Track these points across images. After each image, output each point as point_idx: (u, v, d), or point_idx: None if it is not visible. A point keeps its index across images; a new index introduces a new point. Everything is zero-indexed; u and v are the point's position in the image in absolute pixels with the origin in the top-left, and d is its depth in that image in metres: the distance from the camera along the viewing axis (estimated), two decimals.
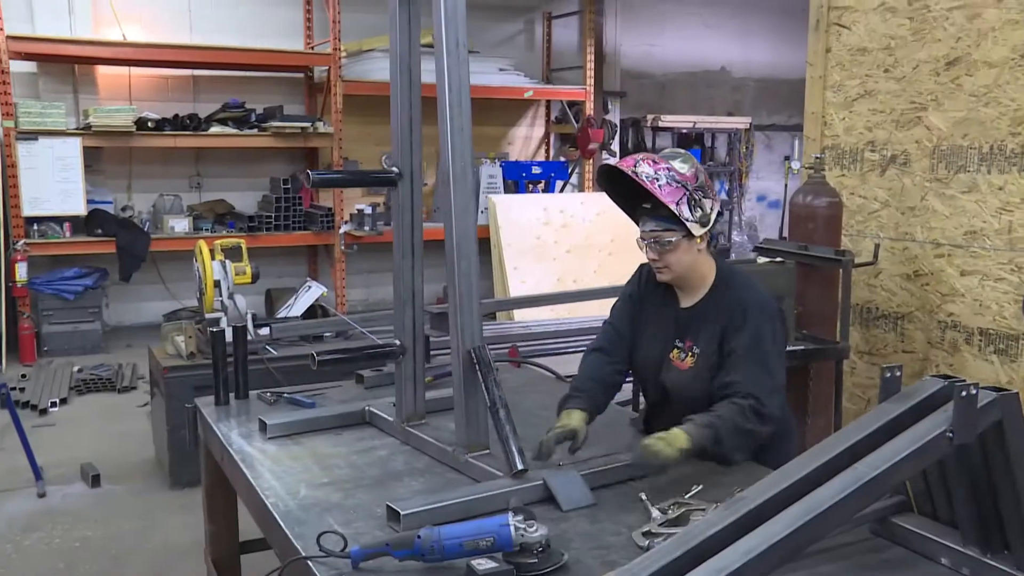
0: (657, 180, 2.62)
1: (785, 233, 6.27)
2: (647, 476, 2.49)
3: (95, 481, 5.18)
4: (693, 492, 2.32)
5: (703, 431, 2.49)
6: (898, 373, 1.93)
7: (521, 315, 8.02)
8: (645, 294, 2.95)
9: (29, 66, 8.82)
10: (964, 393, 1.75)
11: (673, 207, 2.61)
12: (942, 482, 2.05)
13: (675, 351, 2.81)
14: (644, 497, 2.34)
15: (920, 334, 4.76)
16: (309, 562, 2.08)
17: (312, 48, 9.87)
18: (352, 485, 2.58)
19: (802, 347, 4.40)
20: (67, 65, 8.96)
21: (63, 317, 8.33)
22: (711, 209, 2.70)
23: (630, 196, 2.78)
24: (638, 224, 2.78)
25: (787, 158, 12.01)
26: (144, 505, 4.93)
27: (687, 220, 2.64)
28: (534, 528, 2.00)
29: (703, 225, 2.68)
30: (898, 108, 4.80)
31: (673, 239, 2.68)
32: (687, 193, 2.64)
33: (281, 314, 6.47)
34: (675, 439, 2.45)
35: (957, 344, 4.57)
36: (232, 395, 3.45)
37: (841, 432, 1.84)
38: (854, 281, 4.95)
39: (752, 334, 2.66)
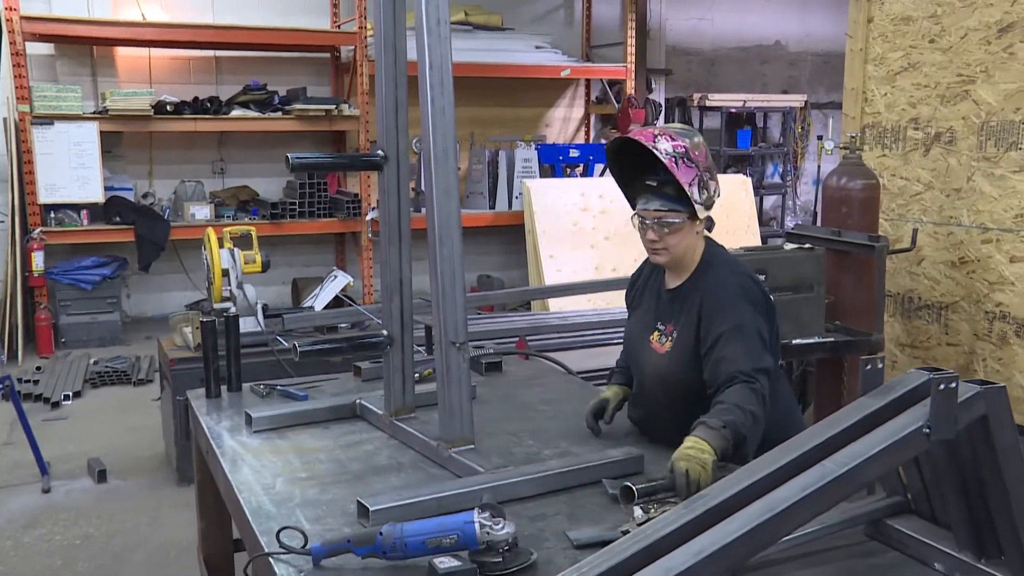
0: (675, 158, 2.61)
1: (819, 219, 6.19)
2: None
3: (101, 476, 5.31)
4: None
5: (723, 434, 2.44)
6: (880, 365, 1.92)
7: (557, 305, 8.02)
8: (642, 275, 3.00)
9: (46, 48, 9.02)
10: (943, 386, 1.73)
11: (686, 187, 2.61)
12: (936, 482, 2.03)
13: (655, 333, 2.84)
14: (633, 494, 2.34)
15: (966, 326, 4.68)
16: (271, 559, 2.12)
17: (339, 27, 9.95)
18: (331, 480, 2.62)
19: (832, 339, 4.37)
20: (85, 47, 9.14)
21: (81, 308, 8.52)
22: (714, 192, 2.71)
23: (633, 171, 2.77)
24: (634, 202, 2.77)
25: (820, 137, 11.86)
26: (150, 501, 5.04)
27: (696, 201, 2.64)
28: (500, 526, 2.02)
29: (707, 208, 2.69)
30: (944, 81, 4.72)
31: (678, 220, 2.67)
32: (698, 174, 2.64)
33: (307, 304, 6.56)
34: (704, 460, 2.36)
35: (1006, 336, 4.49)
36: (224, 387, 3.51)
37: (814, 427, 1.83)
38: (894, 269, 4.90)
39: (733, 318, 2.66)
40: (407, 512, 2.25)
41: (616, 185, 2.85)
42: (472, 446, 2.70)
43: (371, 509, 2.26)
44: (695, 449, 2.38)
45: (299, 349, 2.90)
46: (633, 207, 2.78)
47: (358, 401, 3.23)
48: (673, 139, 2.64)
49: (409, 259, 3.01)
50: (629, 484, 2.29)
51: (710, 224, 2.76)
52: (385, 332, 3.00)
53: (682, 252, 2.74)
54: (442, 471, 2.68)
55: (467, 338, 2.68)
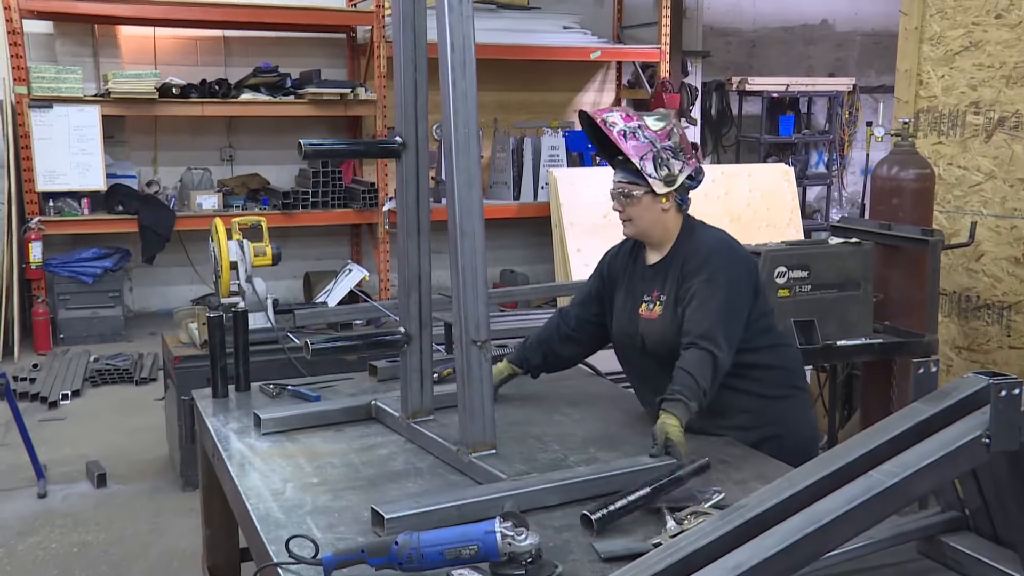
0: (625, 133, 2.94)
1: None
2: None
3: (100, 481, 5.34)
4: (714, 501, 2.31)
5: (681, 406, 2.71)
6: (933, 368, 1.89)
7: None
8: (618, 260, 3.25)
9: (45, 26, 9.07)
10: (1004, 392, 1.71)
11: (636, 161, 2.93)
12: (998, 497, 2.01)
13: (642, 305, 3.08)
14: (663, 506, 2.34)
15: None
16: (279, 569, 2.13)
17: (355, 5, 9.97)
18: (344, 486, 2.63)
19: (881, 340, 4.33)
20: (86, 25, 9.20)
21: (81, 302, 8.57)
22: (679, 171, 2.98)
23: (609, 147, 3.05)
24: None
25: (869, 124, 11.77)
26: (152, 507, 5.08)
27: (650, 176, 2.94)
28: (523, 536, 2.02)
29: (668, 184, 2.97)
30: (1010, 61, 4.66)
31: (636, 193, 2.99)
32: (654, 151, 2.94)
33: (320, 299, 6.57)
34: (671, 429, 2.66)
35: None
36: (232, 387, 3.53)
37: (862, 435, 1.81)
38: (951, 266, 4.86)
39: (707, 274, 2.92)
40: (424, 521, 2.25)
41: None
42: (494, 451, 2.71)
43: (386, 518, 2.26)
44: (669, 426, 2.67)
45: (312, 347, 2.91)
46: None
47: (373, 402, 3.24)
48: (628, 117, 2.99)
49: (428, 252, 3.01)
50: (586, 513, 2.28)
51: (683, 201, 3.03)
52: (403, 329, 3.00)
53: (647, 225, 3.04)
54: (462, 477, 2.68)
55: (489, 336, 2.68)
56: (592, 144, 3.17)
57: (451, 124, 2.65)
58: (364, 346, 3.14)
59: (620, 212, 3.05)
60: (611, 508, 2.29)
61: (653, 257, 3.11)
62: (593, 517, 2.26)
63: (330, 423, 3.17)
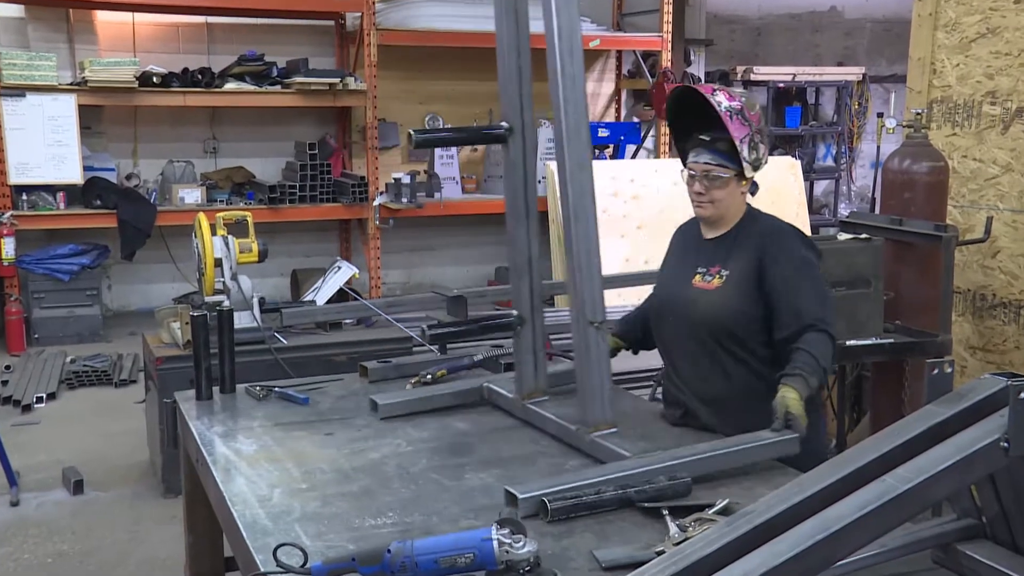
0: (731, 113, 2.99)
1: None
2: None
3: (77, 487, 5.33)
4: (718, 507, 2.32)
5: (801, 381, 2.82)
6: (948, 370, 1.90)
7: None
8: (684, 232, 3.34)
9: (15, 9, 9.04)
10: (1023, 394, 1.71)
11: (737, 142, 2.99)
12: (1017, 503, 2.01)
13: (697, 276, 3.14)
14: (665, 512, 2.35)
15: None
16: None
17: None
18: (334, 492, 2.64)
19: (892, 340, 4.34)
20: (60, 9, 9.17)
21: (57, 300, 8.55)
22: (763, 156, 3.07)
23: (689, 125, 3.14)
24: (685, 156, 3.15)
25: (880, 115, 11.78)
26: (131, 515, 5.07)
27: (744, 159, 3.01)
28: (521, 544, 2.02)
29: (755, 168, 3.06)
30: None
31: (725, 175, 3.05)
32: (751, 133, 3.01)
33: (308, 298, 6.57)
34: (791, 402, 2.78)
35: None
36: (217, 389, 3.53)
37: (874, 438, 1.82)
38: (965, 262, 4.87)
39: (796, 257, 3.03)
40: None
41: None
42: (615, 429, 2.84)
43: (520, 497, 2.37)
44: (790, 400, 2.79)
45: (428, 332, 3.10)
46: (684, 162, 3.15)
47: (485, 385, 3.37)
48: (732, 96, 3.03)
49: (538, 237, 3.13)
50: (544, 499, 2.40)
51: (754, 188, 3.12)
52: (515, 312, 3.14)
53: (725, 208, 3.10)
54: (456, 483, 2.68)
55: (605, 317, 2.84)
56: (670, 122, 3.25)
57: (561, 110, 2.78)
58: (479, 330, 3.30)
59: (701, 194, 3.09)
60: (572, 501, 2.39)
61: (710, 232, 3.18)
62: (550, 505, 2.36)
63: (445, 407, 3.33)
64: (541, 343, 3.16)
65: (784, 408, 2.75)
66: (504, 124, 3.06)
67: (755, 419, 2.84)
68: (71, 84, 8.70)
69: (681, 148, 3.21)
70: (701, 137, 3.07)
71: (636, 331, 3.44)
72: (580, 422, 2.88)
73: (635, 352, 3.51)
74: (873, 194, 11.29)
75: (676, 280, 3.22)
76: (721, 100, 2.99)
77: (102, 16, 9.39)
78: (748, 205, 3.18)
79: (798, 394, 2.79)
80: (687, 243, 3.27)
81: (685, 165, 3.14)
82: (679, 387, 3.17)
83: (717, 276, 3.09)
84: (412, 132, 3.02)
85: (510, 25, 3.04)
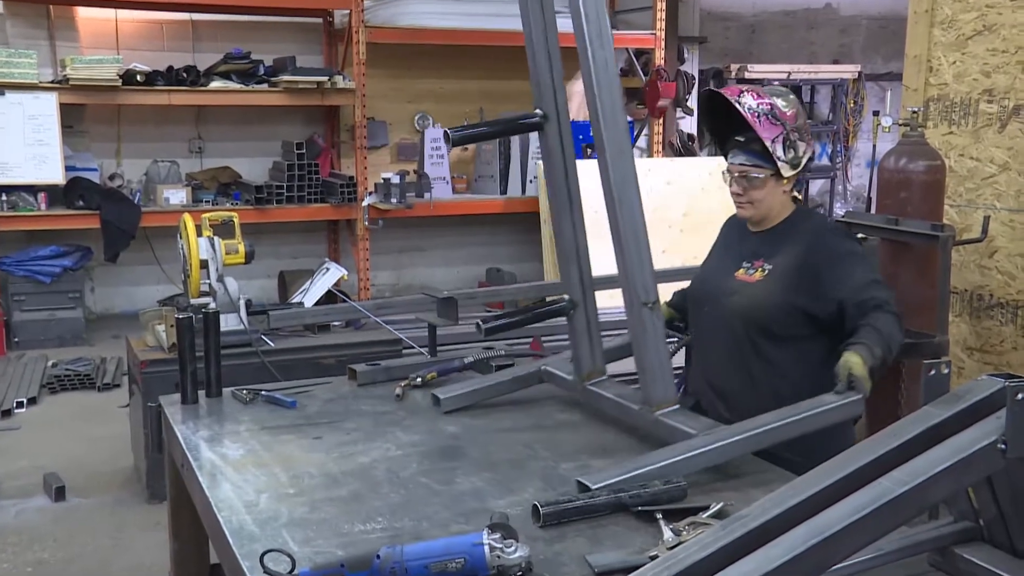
0: (758, 114, 3.07)
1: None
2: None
3: (59, 494, 5.31)
4: (713, 510, 2.32)
5: (865, 348, 2.87)
6: (945, 371, 1.90)
7: None
8: (722, 233, 3.49)
9: None
10: (1021, 395, 1.72)
11: (768, 143, 3.07)
12: (1015, 506, 2.02)
13: (741, 270, 3.25)
14: (659, 516, 2.35)
15: None
16: None
17: None
18: (322, 497, 2.62)
19: None
20: (40, 6, 9.15)
21: (38, 303, 8.53)
22: (803, 153, 3.14)
23: (726, 127, 3.24)
24: (727, 156, 3.25)
25: (876, 113, 11.82)
26: (114, 521, 5.06)
27: (779, 159, 3.09)
28: (513, 548, 2.03)
29: (793, 167, 3.13)
30: None
31: (761, 176, 3.14)
32: (784, 132, 3.09)
33: (295, 300, 6.57)
34: (855, 365, 2.82)
35: None
36: (203, 393, 3.53)
37: (870, 440, 1.82)
38: (963, 262, 4.88)
39: (845, 251, 3.13)
40: (627, 486, 2.48)
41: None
42: (676, 406, 2.91)
43: (592, 487, 2.45)
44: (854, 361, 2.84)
45: (484, 326, 3.11)
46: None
47: (543, 368, 3.42)
48: (759, 96, 3.11)
49: (583, 225, 3.14)
50: (536, 504, 2.39)
51: (800, 185, 3.14)
52: (567, 297, 3.17)
53: (767, 209, 3.21)
54: (446, 487, 2.68)
55: (658, 297, 2.87)
56: (706, 125, 3.37)
57: (595, 96, 2.80)
58: (533, 317, 3.32)
59: (740, 195, 3.20)
60: (565, 506, 2.38)
61: (756, 226, 3.29)
62: (542, 510, 2.34)
63: (504, 394, 3.40)
64: (595, 325, 3.21)
65: (847, 370, 2.80)
66: (539, 111, 3.09)
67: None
68: (52, 82, 8.68)
69: (723, 150, 3.32)
70: (737, 139, 3.17)
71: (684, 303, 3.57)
72: (642, 402, 2.95)
73: (686, 328, 3.56)
74: (869, 193, 11.32)
75: (719, 271, 3.33)
76: (747, 102, 3.07)
77: (83, 13, 9.38)
78: (798, 202, 3.27)
79: (861, 358, 2.82)
80: (734, 235, 3.38)
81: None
82: (702, 377, 3.27)
83: (760, 270, 3.20)
84: (448, 132, 3.07)
85: (535, 9, 3.06)
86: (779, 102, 3.12)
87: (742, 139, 3.16)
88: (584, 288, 3.17)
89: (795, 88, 12.28)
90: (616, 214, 2.81)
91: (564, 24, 2.90)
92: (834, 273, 3.09)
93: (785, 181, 3.16)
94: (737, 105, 3.07)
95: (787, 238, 3.20)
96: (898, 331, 3.03)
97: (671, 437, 2.79)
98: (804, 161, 3.16)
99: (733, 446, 2.65)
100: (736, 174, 3.18)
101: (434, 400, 3.35)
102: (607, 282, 3.38)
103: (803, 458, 2.80)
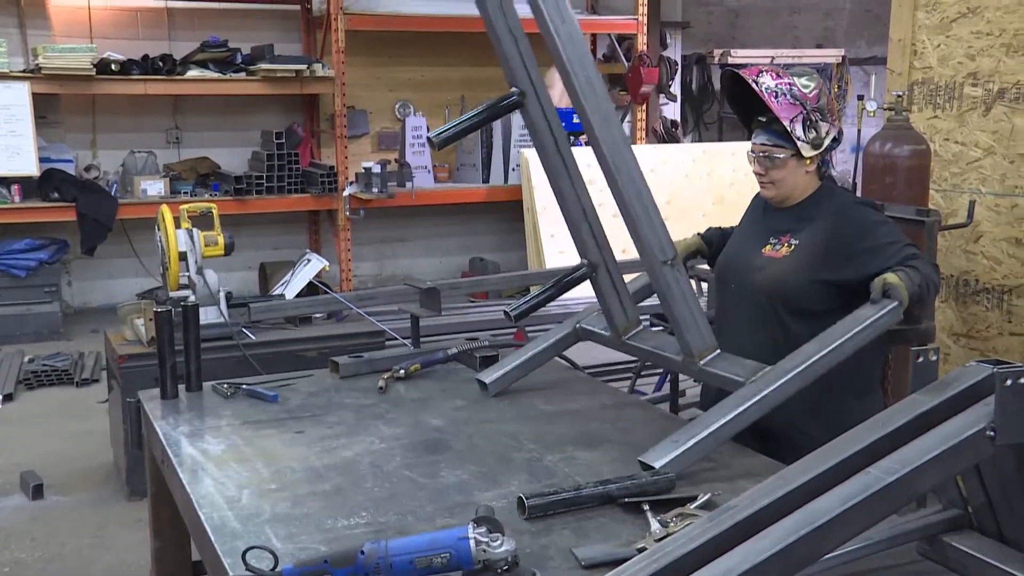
0: (776, 94, 3.08)
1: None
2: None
3: (36, 492, 5.30)
4: (700, 501, 2.32)
5: (903, 273, 2.91)
6: (933, 357, 1.91)
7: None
8: (751, 208, 3.52)
9: None
10: (1010, 381, 1.72)
11: (787, 123, 3.08)
12: (1003, 493, 2.02)
13: (768, 246, 3.29)
14: (647, 508, 2.36)
15: None
16: None
17: None
18: (305, 492, 2.62)
19: None
20: None
21: (13, 297, 8.51)
22: (826, 133, 3.16)
23: (748, 107, 3.26)
24: (751, 137, 3.28)
25: (860, 97, 11.85)
26: (94, 519, 5.04)
27: (799, 139, 3.11)
28: (499, 542, 2.02)
29: (815, 148, 3.15)
30: (1010, 28, 4.67)
31: (782, 156, 3.17)
32: (804, 112, 3.10)
33: (276, 292, 6.55)
34: (890, 277, 2.88)
35: None
36: (182, 387, 3.51)
37: (858, 429, 1.82)
38: (948, 248, 4.89)
39: (871, 221, 3.16)
40: (686, 459, 2.57)
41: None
42: (718, 351, 2.93)
43: (657, 467, 2.50)
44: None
45: (512, 312, 3.20)
46: None
47: (580, 326, 3.44)
48: (779, 76, 3.13)
49: (584, 187, 3.13)
50: (521, 496, 2.40)
51: (824, 163, 3.22)
52: (585, 260, 3.19)
53: (789, 189, 3.23)
54: (422, 486, 2.68)
55: (675, 252, 2.86)
56: (730, 105, 3.38)
57: (569, 72, 2.77)
58: (558, 291, 3.30)
59: (761, 175, 3.24)
60: (551, 498, 2.39)
61: (783, 205, 3.31)
62: (528, 502, 2.35)
63: (546, 362, 3.48)
64: (620, 280, 3.22)
65: (881, 282, 2.84)
66: (515, 90, 3.07)
67: (790, 401, 2.84)
68: (24, 71, 8.62)
69: (748, 129, 3.34)
70: (759, 118, 3.20)
71: (715, 240, 3.60)
72: (684, 352, 2.97)
73: (711, 264, 3.64)
74: (854, 179, 11.33)
75: (745, 247, 3.37)
76: (765, 81, 3.09)
77: (56, 0, 9.30)
78: (826, 179, 3.28)
79: (897, 276, 2.87)
80: (760, 211, 3.41)
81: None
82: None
83: (786, 245, 3.23)
84: (430, 137, 3.06)
85: None
86: (800, 81, 3.14)
87: (764, 119, 3.18)
88: (600, 247, 3.19)
89: None
90: (616, 180, 2.80)
91: (524, 10, 2.88)
92: (865, 243, 3.10)
93: (807, 161, 3.18)
94: (754, 85, 3.09)
95: (813, 214, 3.23)
96: (936, 275, 3.07)
97: (719, 384, 2.90)
98: (827, 142, 3.17)
99: (779, 390, 2.71)
100: (757, 153, 3.22)
101: (480, 386, 3.38)
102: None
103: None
